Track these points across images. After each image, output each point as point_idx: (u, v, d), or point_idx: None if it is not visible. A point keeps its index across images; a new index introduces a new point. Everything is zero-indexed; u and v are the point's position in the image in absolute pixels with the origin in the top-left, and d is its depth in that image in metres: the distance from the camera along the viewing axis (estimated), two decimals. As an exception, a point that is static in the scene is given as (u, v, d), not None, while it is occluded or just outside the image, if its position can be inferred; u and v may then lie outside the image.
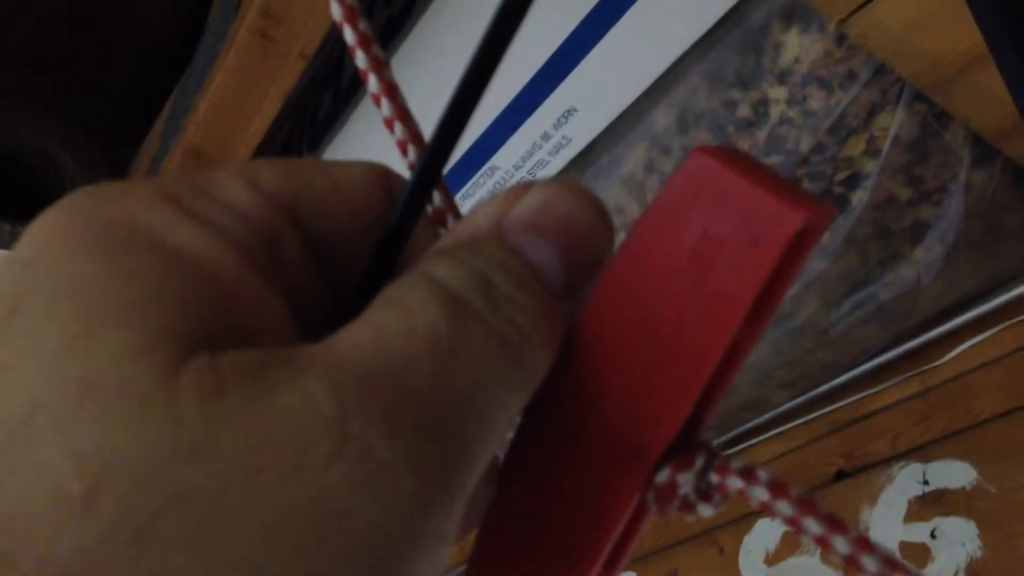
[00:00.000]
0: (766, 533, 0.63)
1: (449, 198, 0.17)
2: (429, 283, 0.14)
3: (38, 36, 0.89)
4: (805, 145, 0.45)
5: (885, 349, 0.57)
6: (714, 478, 0.15)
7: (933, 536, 0.52)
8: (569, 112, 0.47)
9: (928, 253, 0.48)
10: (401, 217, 0.15)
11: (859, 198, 0.46)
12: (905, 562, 0.13)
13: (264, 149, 0.53)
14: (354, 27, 0.17)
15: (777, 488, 0.14)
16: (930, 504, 0.53)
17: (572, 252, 0.15)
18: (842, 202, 0.47)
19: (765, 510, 0.14)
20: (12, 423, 0.11)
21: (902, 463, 0.55)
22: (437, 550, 0.13)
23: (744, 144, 0.46)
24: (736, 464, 0.15)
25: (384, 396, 0.12)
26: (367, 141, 0.54)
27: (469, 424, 0.13)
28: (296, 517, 0.11)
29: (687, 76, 0.46)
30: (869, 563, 0.13)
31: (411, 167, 0.17)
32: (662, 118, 0.48)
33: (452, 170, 0.53)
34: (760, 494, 0.14)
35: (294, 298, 0.15)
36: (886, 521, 0.55)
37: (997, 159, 0.45)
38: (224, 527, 0.11)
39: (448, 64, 0.49)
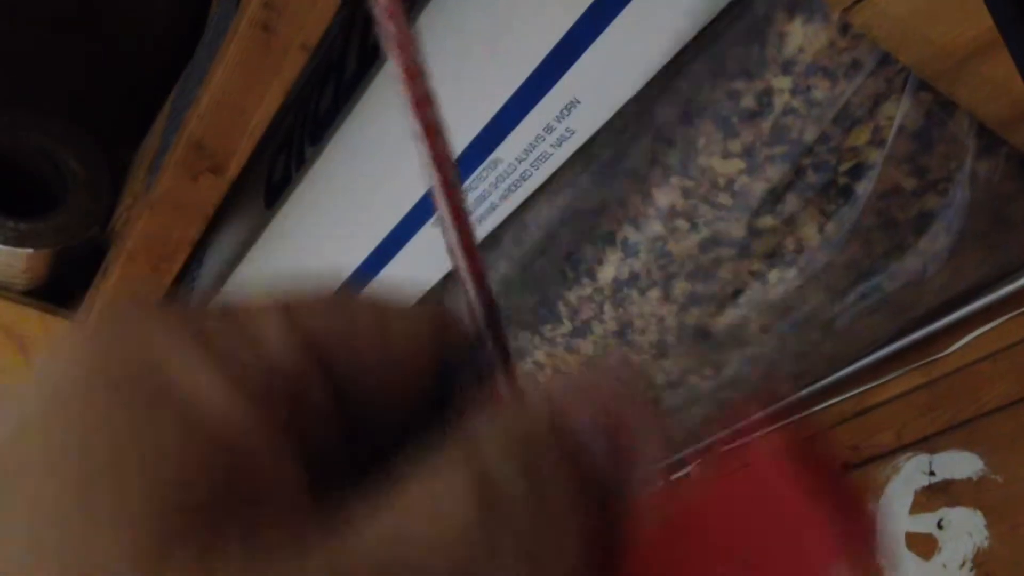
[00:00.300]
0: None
1: (507, 358, 0.16)
2: (469, 466, 0.13)
3: (40, 37, 0.89)
4: (809, 135, 0.44)
5: (890, 340, 0.56)
6: None
7: (940, 527, 0.52)
8: (572, 104, 0.47)
9: (933, 243, 0.48)
10: (454, 394, 0.15)
11: (864, 188, 0.46)
12: None
13: (266, 142, 0.53)
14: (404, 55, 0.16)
15: None
16: (936, 495, 0.53)
17: (619, 440, 0.14)
18: (847, 192, 0.46)
19: None
20: None
21: (908, 454, 0.55)
22: None
23: (748, 135, 0.46)
24: None
25: None
26: (370, 135, 0.54)
27: None
28: None
29: (690, 67, 0.46)
30: None
31: (448, 248, 0.16)
32: (665, 109, 0.48)
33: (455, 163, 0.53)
34: None
35: (312, 444, 0.14)
36: (892, 512, 0.55)
37: (1002, 149, 0.45)
38: None
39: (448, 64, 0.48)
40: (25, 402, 0.13)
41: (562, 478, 0.13)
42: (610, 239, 0.54)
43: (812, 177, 0.46)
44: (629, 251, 0.55)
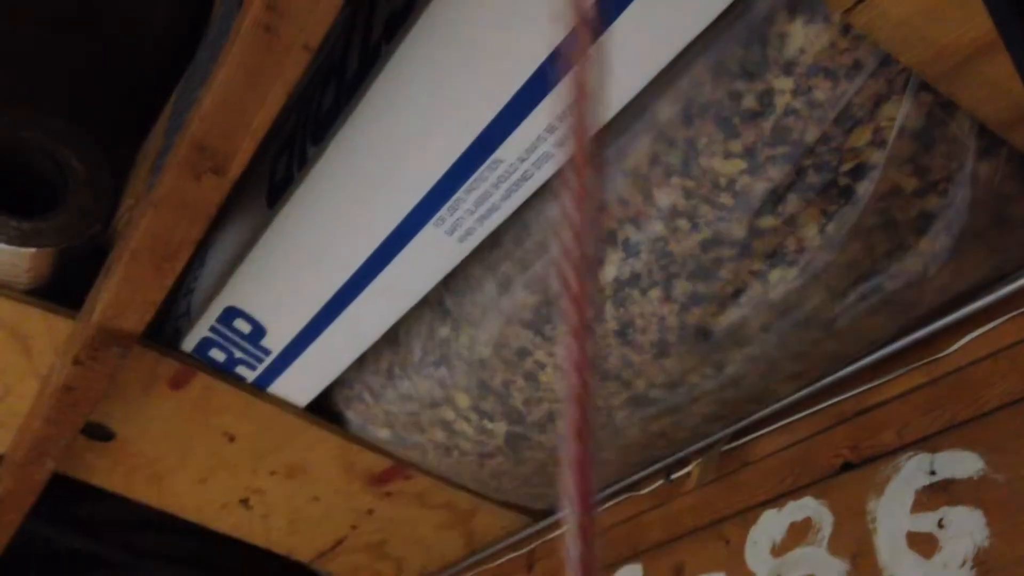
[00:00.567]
0: (772, 524, 0.63)
1: None
2: None
3: (40, 37, 0.89)
4: (811, 136, 0.45)
5: (891, 340, 0.57)
6: None
7: (940, 526, 0.52)
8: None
9: (934, 243, 0.48)
10: None
11: (865, 189, 0.46)
12: None
13: (268, 142, 0.53)
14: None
15: None
16: (937, 494, 0.53)
17: None
18: (848, 193, 0.47)
19: None
20: None
21: (909, 453, 0.55)
22: None
23: (749, 135, 0.46)
24: None
25: None
26: (371, 135, 0.54)
27: None
28: None
29: (692, 67, 0.46)
30: None
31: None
32: (667, 110, 0.48)
33: (456, 163, 0.53)
34: None
35: None
36: (893, 511, 0.55)
37: (1003, 149, 0.45)
38: None
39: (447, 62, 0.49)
40: None
41: None
42: (611, 239, 0.55)
43: (813, 177, 0.47)
44: (630, 251, 0.55)
